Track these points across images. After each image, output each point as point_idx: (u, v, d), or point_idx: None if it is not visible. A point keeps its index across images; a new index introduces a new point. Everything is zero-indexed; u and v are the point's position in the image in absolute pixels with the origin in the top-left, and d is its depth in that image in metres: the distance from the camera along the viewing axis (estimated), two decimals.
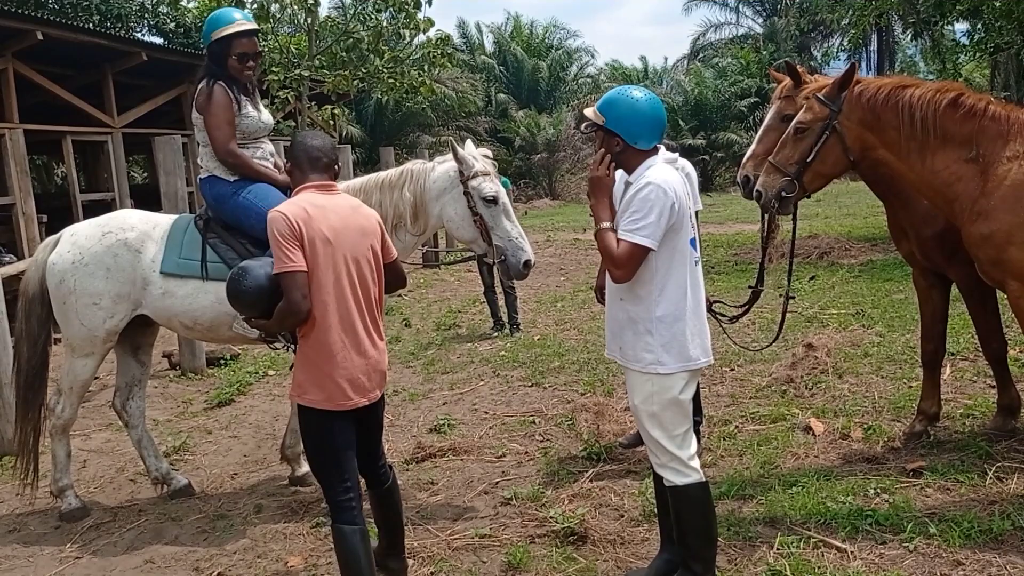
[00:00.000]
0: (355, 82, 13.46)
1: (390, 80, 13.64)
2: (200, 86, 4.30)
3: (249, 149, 4.39)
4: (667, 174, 3.02)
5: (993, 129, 3.69)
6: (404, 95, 14.79)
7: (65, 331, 4.41)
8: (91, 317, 4.30)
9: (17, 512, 4.67)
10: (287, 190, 4.29)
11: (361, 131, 30.13)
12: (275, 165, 4.50)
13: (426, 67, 13.82)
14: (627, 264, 2.96)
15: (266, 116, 4.52)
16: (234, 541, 4.10)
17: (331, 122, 14.67)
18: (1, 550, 4.16)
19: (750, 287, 4.44)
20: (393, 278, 3.39)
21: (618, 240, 2.98)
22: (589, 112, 3.18)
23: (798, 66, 4.39)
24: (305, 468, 4.83)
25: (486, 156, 4.43)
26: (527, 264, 4.25)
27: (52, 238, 4.57)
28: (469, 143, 4.52)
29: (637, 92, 3.13)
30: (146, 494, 4.81)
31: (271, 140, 4.66)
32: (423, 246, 5.00)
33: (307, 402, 3.07)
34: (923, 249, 4.41)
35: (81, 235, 4.40)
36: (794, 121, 4.00)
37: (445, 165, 4.35)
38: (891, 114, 3.78)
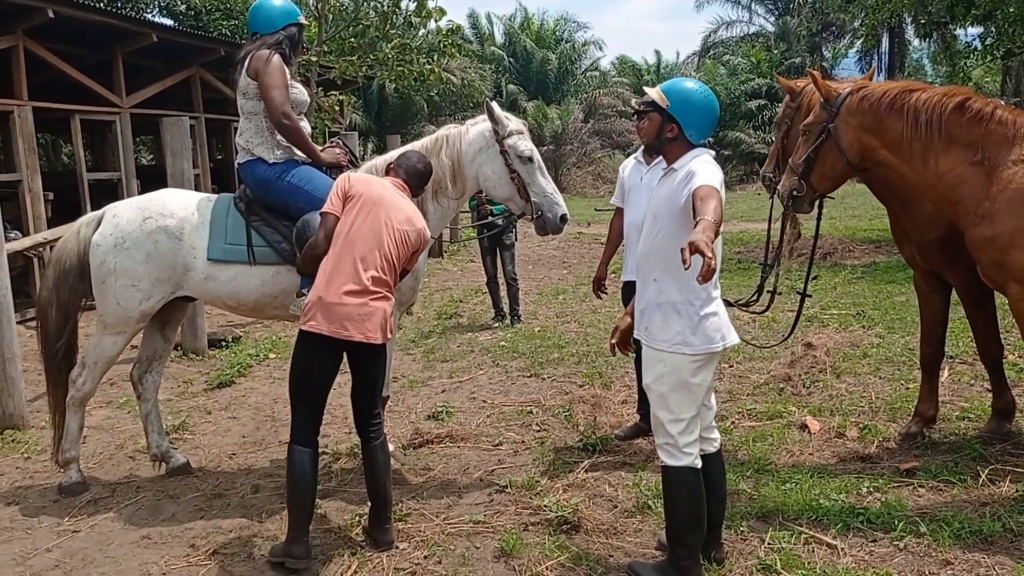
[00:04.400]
0: (363, 68, 13.45)
1: (399, 68, 13.64)
2: (257, 52, 4.29)
3: None
4: (712, 164, 3.15)
5: (999, 133, 3.70)
6: (413, 83, 14.78)
7: (101, 308, 4.45)
8: (128, 298, 4.34)
9: (17, 485, 4.71)
10: (328, 169, 4.39)
11: (365, 118, 30.12)
12: None
13: (436, 56, 13.82)
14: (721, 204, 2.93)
15: (305, 92, 4.57)
16: (231, 519, 4.13)
17: (337, 108, 14.66)
18: (1, 522, 4.20)
19: (769, 291, 4.60)
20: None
21: (708, 192, 2.89)
22: (653, 93, 3.26)
23: (812, 70, 4.49)
24: None
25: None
26: (563, 218, 4.41)
27: (94, 215, 4.59)
28: (496, 105, 4.56)
29: (703, 87, 3.27)
30: (145, 471, 4.85)
31: None
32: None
33: (308, 327, 3.53)
34: (924, 253, 4.44)
35: (123, 218, 4.41)
36: (801, 124, 4.21)
37: (479, 126, 4.46)
38: (895, 117, 3.83)
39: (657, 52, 42.39)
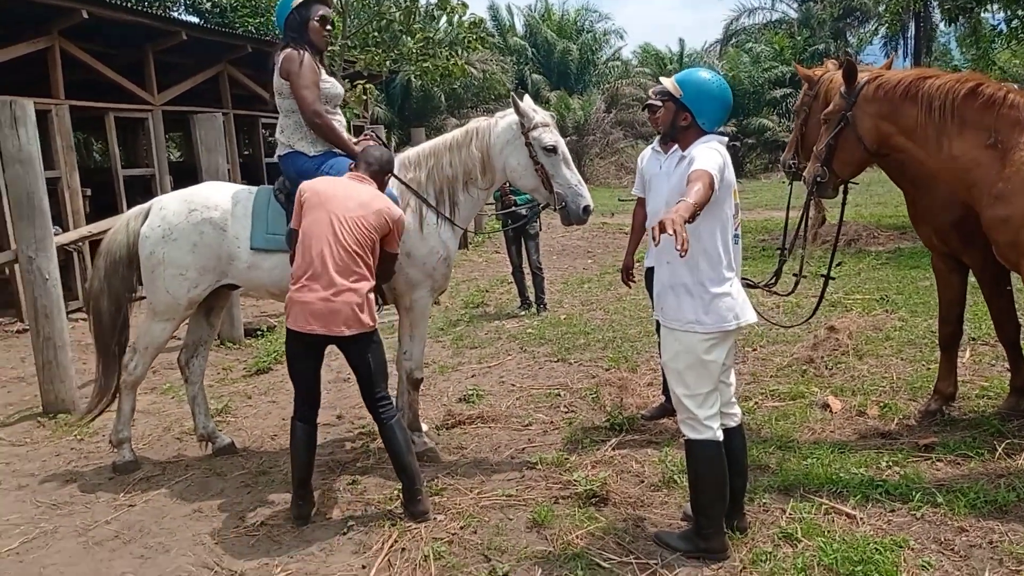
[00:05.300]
0: (387, 63, 13.64)
1: (423, 63, 13.81)
2: (285, 52, 4.44)
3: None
4: (720, 148, 3.30)
5: (1012, 116, 3.80)
6: (438, 77, 14.95)
7: (150, 296, 4.69)
8: (176, 286, 4.58)
9: (74, 465, 4.98)
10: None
11: (388, 111, 30.33)
12: None
13: (459, 50, 13.97)
14: (712, 184, 3.06)
15: (339, 85, 4.73)
16: (276, 494, 4.36)
17: (364, 98, 14.83)
18: (61, 498, 4.47)
19: (794, 275, 4.76)
20: (384, 268, 4.10)
21: (697, 176, 3.04)
22: (668, 83, 3.42)
23: (831, 59, 4.61)
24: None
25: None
26: (587, 209, 4.51)
27: (141, 208, 4.83)
28: (527, 97, 4.70)
29: (716, 77, 3.39)
30: (192, 451, 5.10)
31: None
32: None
33: (286, 322, 3.87)
34: (941, 235, 4.56)
35: (169, 210, 4.64)
36: (823, 113, 4.35)
37: (507, 119, 4.59)
38: (910, 104, 3.96)
39: (681, 40, 41.89)
